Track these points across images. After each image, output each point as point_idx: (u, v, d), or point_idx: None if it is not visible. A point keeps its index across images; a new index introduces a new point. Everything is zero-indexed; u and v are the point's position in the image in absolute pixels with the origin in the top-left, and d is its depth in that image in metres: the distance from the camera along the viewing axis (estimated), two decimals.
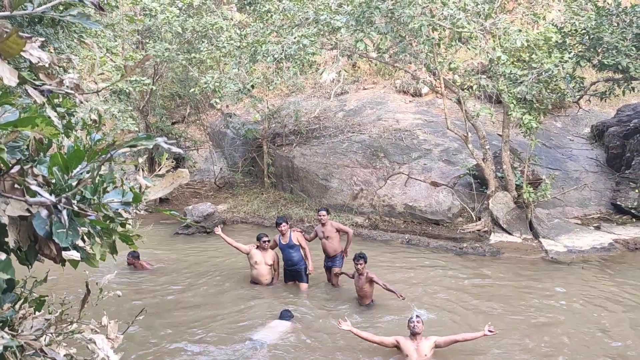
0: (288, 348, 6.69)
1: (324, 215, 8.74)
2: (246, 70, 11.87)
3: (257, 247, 8.80)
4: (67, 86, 1.72)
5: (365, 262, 7.74)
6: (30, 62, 1.65)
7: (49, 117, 1.95)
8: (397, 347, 6.28)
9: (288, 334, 7.05)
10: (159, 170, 2.54)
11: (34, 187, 1.57)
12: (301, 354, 6.55)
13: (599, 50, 10.18)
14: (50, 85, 1.71)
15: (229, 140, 16.91)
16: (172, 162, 2.67)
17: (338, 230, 8.74)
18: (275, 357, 6.49)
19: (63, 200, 1.52)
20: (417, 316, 6.29)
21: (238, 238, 9.43)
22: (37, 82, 1.78)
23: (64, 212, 1.53)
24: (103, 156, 1.90)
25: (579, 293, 8.40)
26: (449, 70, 10.74)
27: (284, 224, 8.72)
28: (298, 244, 8.67)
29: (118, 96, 12.57)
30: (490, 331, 6.07)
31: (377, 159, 13.58)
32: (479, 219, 11.68)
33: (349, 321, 6.48)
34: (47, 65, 1.62)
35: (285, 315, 7.38)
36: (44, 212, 1.56)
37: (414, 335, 6.19)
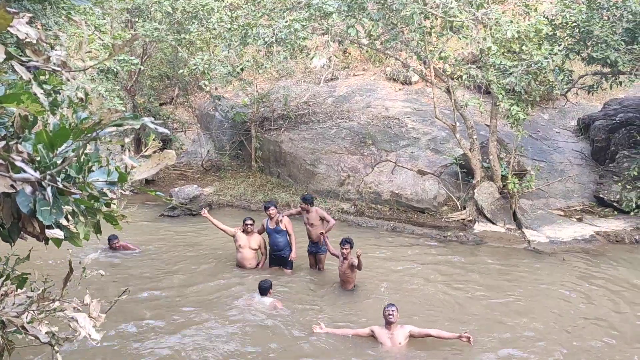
0: (268, 333, 6.74)
1: (309, 207, 8.73)
2: (236, 53, 11.78)
3: (243, 231, 8.82)
4: (54, 63, 1.71)
5: (352, 247, 7.78)
6: (17, 37, 1.63)
7: (35, 94, 1.93)
8: (373, 335, 6.35)
9: (270, 315, 7.09)
10: (146, 151, 2.53)
11: (18, 164, 1.56)
12: (279, 340, 6.60)
13: (589, 44, 10.23)
14: (37, 61, 1.69)
15: (217, 123, 16.82)
16: (159, 143, 2.66)
17: (322, 219, 8.76)
18: (254, 342, 6.53)
19: (48, 177, 1.51)
20: (392, 305, 6.37)
21: (223, 221, 9.41)
22: (23, 59, 1.76)
23: (49, 189, 1.52)
24: (89, 135, 1.90)
25: (559, 283, 8.53)
26: (440, 59, 10.75)
27: (272, 207, 8.73)
28: (285, 229, 8.68)
29: (105, 75, 12.42)
30: (467, 338, 6.15)
31: (365, 146, 13.61)
32: (464, 208, 11.79)
33: (323, 324, 6.54)
34: (34, 41, 1.60)
35: (264, 288, 7.35)
36: (28, 189, 1.56)
37: (389, 324, 6.27)
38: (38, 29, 1.86)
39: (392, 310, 6.29)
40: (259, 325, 6.84)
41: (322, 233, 8.49)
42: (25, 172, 1.51)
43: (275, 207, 8.82)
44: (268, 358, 6.13)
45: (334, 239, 8.74)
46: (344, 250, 7.75)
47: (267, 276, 8.32)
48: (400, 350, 6.20)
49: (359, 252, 7.45)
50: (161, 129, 1.64)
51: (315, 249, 8.83)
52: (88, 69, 1.91)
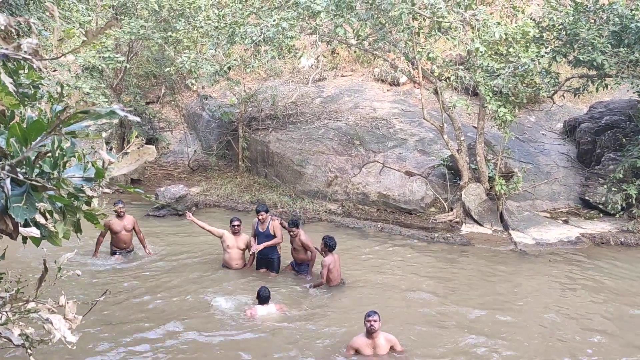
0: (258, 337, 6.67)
1: (294, 230, 8.43)
2: (223, 51, 11.67)
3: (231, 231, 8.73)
4: (24, 51, 1.63)
5: (330, 249, 7.96)
6: None
7: (7, 87, 1.85)
8: (356, 351, 6.07)
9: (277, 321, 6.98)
10: (128, 148, 2.45)
11: None
12: (262, 340, 6.53)
13: (575, 46, 10.28)
14: (6, 49, 1.61)
15: (204, 123, 16.68)
16: (142, 140, 2.58)
17: (305, 248, 8.46)
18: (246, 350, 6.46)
19: (6, 167, 1.43)
20: (374, 312, 6.01)
21: (210, 222, 9.32)
22: None
23: (7, 181, 1.44)
24: (64, 129, 1.81)
25: (545, 285, 8.56)
26: (428, 59, 10.73)
27: (263, 212, 8.58)
28: (274, 234, 8.57)
29: (90, 73, 12.25)
30: None
31: (352, 147, 13.56)
32: (451, 210, 11.78)
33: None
34: (2, 27, 1.52)
35: (264, 297, 7.12)
36: None
37: (370, 334, 5.99)
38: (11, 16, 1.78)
39: (374, 320, 5.93)
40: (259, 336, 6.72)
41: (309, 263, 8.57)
42: None
43: (267, 212, 8.68)
44: None
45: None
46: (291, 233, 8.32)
47: (253, 280, 8.25)
48: None
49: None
50: (131, 117, 1.57)
51: (297, 269, 8.71)
52: (60, 57, 1.83)
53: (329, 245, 7.96)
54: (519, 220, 11.33)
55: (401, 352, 6.08)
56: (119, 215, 9.09)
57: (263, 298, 7.12)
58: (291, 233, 8.47)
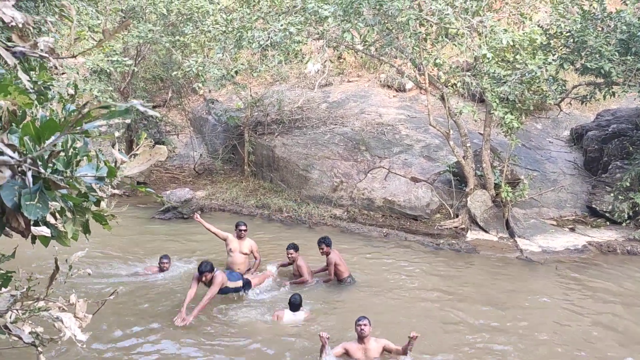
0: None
1: (291, 254, 8.41)
2: (231, 56, 11.71)
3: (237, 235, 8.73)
4: (41, 49, 1.64)
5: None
6: (2, 21, 1.55)
7: (23, 86, 1.86)
8: (346, 354, 6.08)
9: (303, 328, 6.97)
10: (137, 149, 2.46)
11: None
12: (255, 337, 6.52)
13: (583, 54, 10.27)
14: (23, 47, 1.62)
15: (210, 127, 16.73)
16: (151, 142, 2.59)
17: (300, 274, 8.47)
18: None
19: (28, 161, 1.43)
20: (364, 317, 6.06)
21: (215, 226, 9.33)
22: (9, 44, 1.69)
23: (29, 174, 1.44)
24: (77, 127, 1.82)
25: (551, 293, 8.50)
26: (434, 66, 10.74)
27: (206, 272, 7.42)
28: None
29: (99, 76, 12.33)
30: (414, 337, 5.85)
31: (358, 152, 13.56)
32: (457, 216, 11.75)
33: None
34: (20, 25, 1.53)
35: (296, 304, 7.09)
36: (7, 173, 1.48)
37: (361, 338, 6.01)
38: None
39: (364, 324, 5.99)
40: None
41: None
42: (4, 154, 1.44)
43: (211, 271, 7.37)
44: None
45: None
46: (289, 256, 8.42)
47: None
48: None
49: None
50: (151, 112, 1.57)
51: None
52: (77, 55, 1.84)
53: (330, 244, 8.41)
54: (525, 227, 11.29)
55: (398, 350, 6.05)
56: (162, 270, 8.70)
57: (294, 305, 7.12)
58: (289, 256, 8.46)
